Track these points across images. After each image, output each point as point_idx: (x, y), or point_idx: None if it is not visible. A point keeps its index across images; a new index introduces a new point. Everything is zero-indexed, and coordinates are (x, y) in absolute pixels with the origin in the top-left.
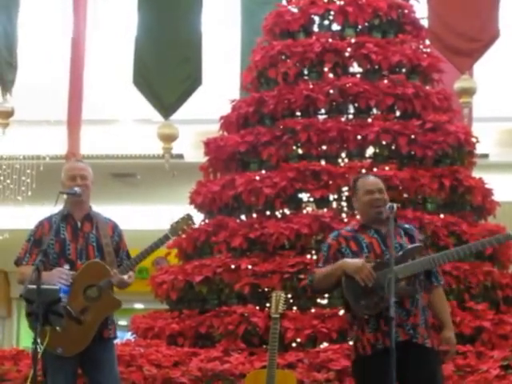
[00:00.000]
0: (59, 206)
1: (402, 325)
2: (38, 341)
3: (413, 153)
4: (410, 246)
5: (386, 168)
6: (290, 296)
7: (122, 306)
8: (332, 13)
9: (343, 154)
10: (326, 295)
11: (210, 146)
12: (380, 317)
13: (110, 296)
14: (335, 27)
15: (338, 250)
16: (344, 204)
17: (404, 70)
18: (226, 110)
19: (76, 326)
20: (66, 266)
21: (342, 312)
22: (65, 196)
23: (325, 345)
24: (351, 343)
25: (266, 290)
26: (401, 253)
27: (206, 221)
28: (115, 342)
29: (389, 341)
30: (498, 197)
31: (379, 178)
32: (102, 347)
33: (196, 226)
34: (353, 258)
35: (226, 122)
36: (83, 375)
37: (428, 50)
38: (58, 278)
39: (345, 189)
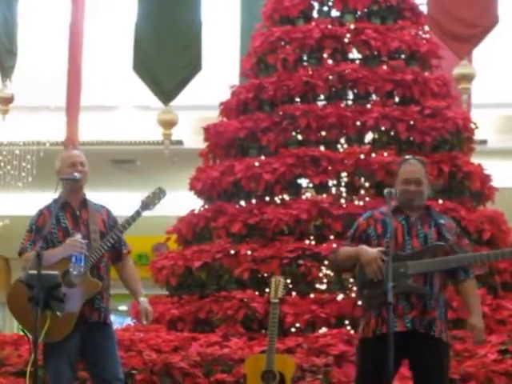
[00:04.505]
0: (57, 194)
1: (403, 317)
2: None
3: (412, 139)
4: (430, 245)
5: (385, 154)
6: (289, 281)
7: (122, 291)
8: None
9: (342, 140)
10: (325, 280)
11: (209, 131)
12: (384, 304)
13: None
14: (334, 13)
15: (365, 230)
16: (343, 190)
17: (403, 56)
18: (226, 96)
19: None
20: (78, 235)
21: (340, 297)
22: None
23: (324, 330)
24: (361, 326)
25: (266, 275)
26: (420, 249)
27: (206, 206)
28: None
29: (386, 328)
30: (496, 183)
31: (422, 165)
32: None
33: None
34: (377, 241)
35: (226, 108)
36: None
37: (427, 36)
38: (73, 247)
39: (344, 174)
